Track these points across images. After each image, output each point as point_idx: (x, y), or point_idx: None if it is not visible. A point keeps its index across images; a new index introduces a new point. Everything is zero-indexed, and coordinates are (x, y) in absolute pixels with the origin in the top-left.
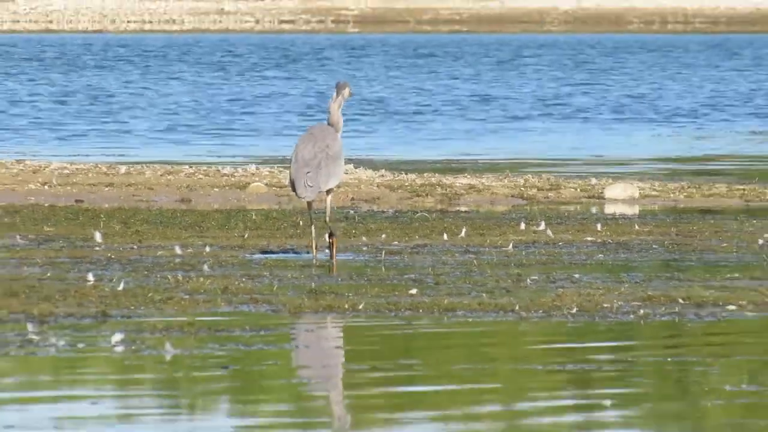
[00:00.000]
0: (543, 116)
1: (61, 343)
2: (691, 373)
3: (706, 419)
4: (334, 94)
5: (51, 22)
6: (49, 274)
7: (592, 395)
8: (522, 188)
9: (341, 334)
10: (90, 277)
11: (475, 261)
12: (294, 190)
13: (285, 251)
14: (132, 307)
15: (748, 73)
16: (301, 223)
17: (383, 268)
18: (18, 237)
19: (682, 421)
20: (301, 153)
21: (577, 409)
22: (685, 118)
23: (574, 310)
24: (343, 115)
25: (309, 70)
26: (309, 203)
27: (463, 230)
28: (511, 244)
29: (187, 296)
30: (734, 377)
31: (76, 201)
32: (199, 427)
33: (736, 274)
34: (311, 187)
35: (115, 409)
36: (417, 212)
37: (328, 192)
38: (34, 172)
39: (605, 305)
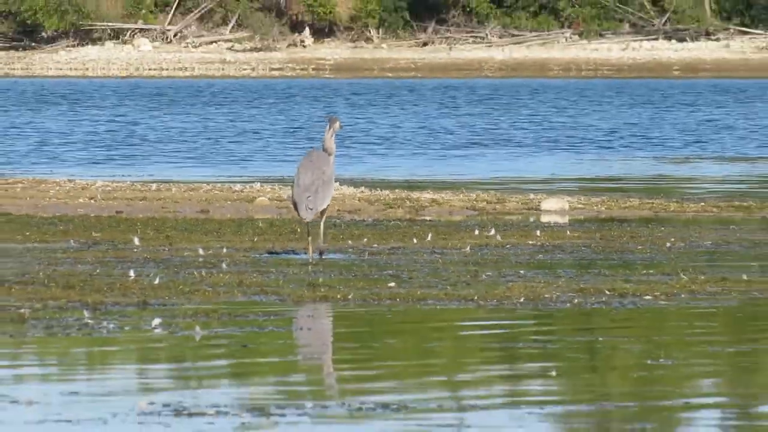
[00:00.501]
0: (485, 145)
1: (111, 326)
2: (616, 351)
3: (622, 387)
4: (327, 125)
5: (87, 69)
6: (98, 271)
7: (531, 368)
8: (474, 202)
9: (334, 319)
10: (131, 273)
11: (440, 260)
12: (297, 211)
13: (287, 252)
14: (166, 297)
15: (642, 110)
16: (299, 230)
17: (366, 266)
18: (72, 241)
19: (603, 389)
20: (302, 179)
21: (514, 378)
22: (596, 146)
23: (522, 300)
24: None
25: (298, 106)
26: (307, 218)
27: (429, 235)
28: (468, 247)
29: (210, 288)
30: (651, 353)
31: (117, 212)
32: (225, 392)
33: (651, 271)
34: (311, 210)
35: (157, 378)
36: (390, 221)
37: (323, 213)
38: (82, 189)
39: (546, 296)
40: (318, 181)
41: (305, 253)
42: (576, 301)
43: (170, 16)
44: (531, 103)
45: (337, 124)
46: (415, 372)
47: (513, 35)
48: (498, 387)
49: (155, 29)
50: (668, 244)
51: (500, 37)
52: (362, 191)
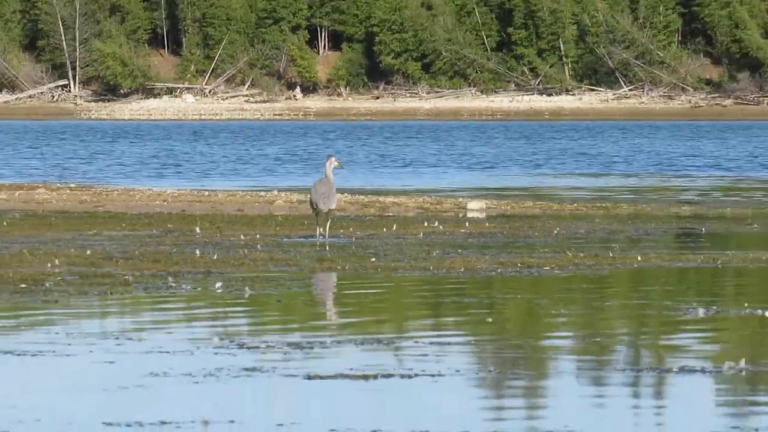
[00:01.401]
0: (421, 165)
1: (187, 287)
2: (526, 304)
3: (525, 327)
4: (326, 161)
5: (150, 114)
6: (174, 250)
7: (469, 314)
8: (421, 203)
9: (337, 282)
10: (197, 251)
11: (403, 243)
12: (316, 206)
13: (300, 237)
14: (222, 268)
15: (524, 142)
16: (306, 223)
17: (353, 247)
18: (153, 230)
19: (511, 328)
20: (319, 189)
21: (456, 322)
22: (498, 166)
23: (462, 270)
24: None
25: (293, 139)
26: (318, 213)
27: (394, 226)
28: (421, 234)
29: (251, 262)
30: (550, 306)
31: (182, 210)
32: (270, 332)
33: (545, 250)
34: (326, 204)
35: (222, 323)
36: (366, 216)
37: (329, 212)
38: (158, 195)
39: (478, 267)
40: (329, 191)
41: (315, 237)
42: (499, 270)
43: (206, 78)
44: (449, 137)
45: (333, 159)
46: (393, 315)
47: (436, 92)
48: (439, 325)
49: (196, 87)
50: (555, 232)
51: (427, 93)
52: (345, 196)
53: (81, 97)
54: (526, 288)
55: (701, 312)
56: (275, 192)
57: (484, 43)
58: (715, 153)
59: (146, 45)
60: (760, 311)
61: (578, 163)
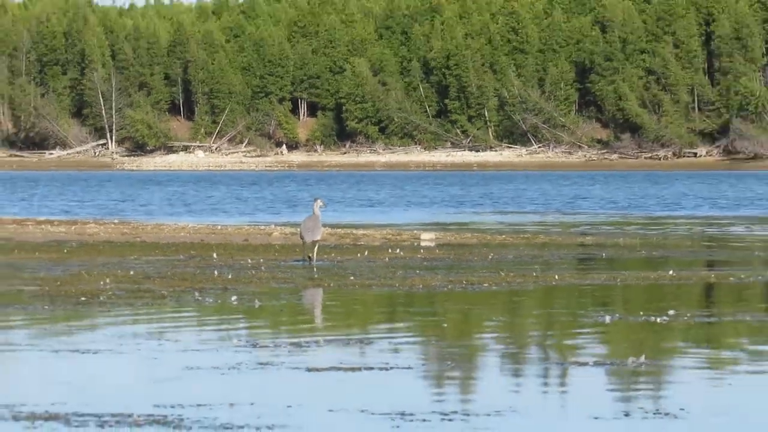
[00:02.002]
0: (381, 205)
1: (209, 300)
2: (470, 313)
3: (469, 332)
4: (314, 202)
5: (170, 166)
6: (197, 271)
7: (426, 320)
8: (385, 235)
9: (323, 295)
10: (215, 272)
11: (373, 265)
12: (303, 238)
13: (294, 261)
14: (236, 285)
15: (459, 188)
16: (297, 250)
17: (335, 269)
18: (180, 255)
19: (456, 335)
20: (306, 225)
21: (413, 326)
22: (439, 206)
23: (420, 286)
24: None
25: (280, 185)
26: (307, 244)
27: (366, 252)
28: (386, 258)
29: (258, 280)
30: (489, 315)
31: (201, 240)
32: (277, 334)
33: (483, 271)
34: (311, 237)
35: (239, 327)
36: (344, 245)
37: (315, 243)
38: (182, 228)
39: (433, 284)
40: (314, 226)
41: (304, 261)
42: (449, 286)
43: (213, 138)
44: (401, 184)
45: (320, 201)
46: (370, 321)
47: (390, 148)
48: (406, 329)
49: (205, 145)
50: (489, 257)
51: (383, 150)
52: (326, 229)
53: (117, 153)
54: (470, 300)
55: (607, 318)
56: (272, 226)
57: (426, 111)
58: (603, 196)
59: (167, 113)
60: (652, 318)
61: (501, 204)
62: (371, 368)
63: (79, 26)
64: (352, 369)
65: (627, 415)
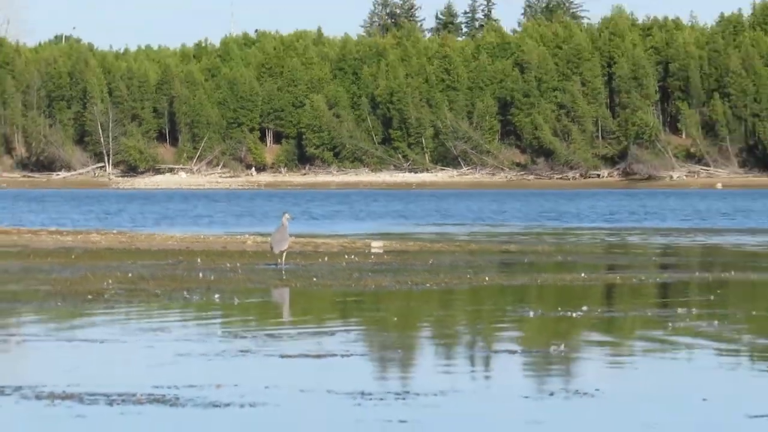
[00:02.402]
0: (337, 218)
1: (196, 297)
2: (414, 309)
3: (414, 324)
4: (282, 215)
5: (158, 186)
6: (185, 273)
7: (374, 315)
8: (342, 243)
9: (291, 294)
10: (200, 274)
11: (333, 269)
12: (273, 248)
13: (266, 265)
14: (218, 285)
15: (403, 203)
16: (269, 255)
17: (301, 271)
18: (169, 260)
19: (404, 326)
20: (275, 237)
21: (365, 321)
22: (388, 219)
23: (373, 286)
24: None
25: (251, 202)
26: (277, 253)
27: (326, 258)
28: (344, 263)
29: (235, 281)
30: (431, 310)
31: (186, 247)
32: (254, 326)
33: (425, 273)
34: (278, 247)
35: (222, 320)
36: (307, 251)
37: (282, 252)
38: (170, 237)
39: (383, 284)
40: (281, 237)
41: (275, 265)
42: (396, 286)
43: (194, 161)
44: (352, 201)
45: (288, 215)
46: (331, 315)
47: (342, 170)
48: (362, 321)
49: (187, 168)
50: (430, 262)
51: (337, 171)
52: (292, 238)
53: (113, 174)
54: (414, 298)
55: (531, 313)
56: (246, 235)
57: (373, 139)
58: (522, 210)
59: (155, 140)
60: (569, 313)
61: (436, 217)
62: (335, 355)
63: (82, 67)
64: (318, 356)
65: (551, 394)
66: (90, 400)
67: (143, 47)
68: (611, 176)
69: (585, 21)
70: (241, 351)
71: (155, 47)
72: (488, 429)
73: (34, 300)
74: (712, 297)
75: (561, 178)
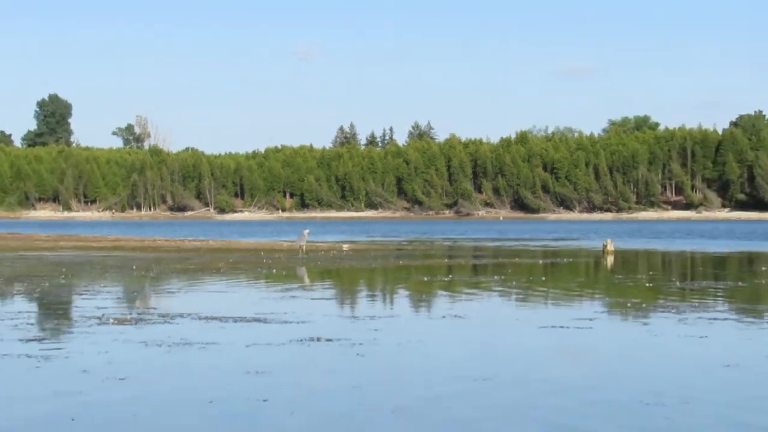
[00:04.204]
0: (322, 234)
1: (263, 270)
2: (368, 279)
3: (365, 288)
4: (303, 229)
5: (235, 218)
6: (256, 259)
7: (347, 281)
8: (327, 245)
9: (306, 268)
10: (263, 260)
11: (326, 257)
12: (299, 244)
13: (294, 256)
14: (272, 265)
15: (359, 227)
16: (295, 251)
17: (310, 259)
18: (249, 253)
19: (368, 290)
20: (299, 241)
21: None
22: (349, 234)
23: (346, 266)
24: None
25: (285, 226)
26: (301, 247)
27: (321, 252)
28: (331, 254)
29: (280, 262)
30: (371, 276)
31: (254, 247)
32: (289, 282)
33: (369, 259)
34: (302, 246)
35: (276, 280)
36: (310, 250)
37: (302, 249)
38: (247, 243)
39: (350, 264)
40: (301, 241)
41: (299, 256)
42: (355, 265)
43: (252, 206)
44: (331, 226)
45: (307, 231)
46: (323, 279)
47: (323, 211)
48: (339, 285)
49: (249, 209)
50: (372, 254)
51: (320, 212)
52: (308, 243)
53: (214, 212)
54: (364, 270)
55: (425, 278)
56: (282, 241)
57: (336, 196)
58: (410, 230)
59: (233, 196)
60: (438, 277)
61: (370, 234)
62: (334, 297)
63: (198, 163)
64: (324, 298)
65: (443, 317)
66: (224, 320)
67: (228, 153)
68: (449, 214)
69: (436, 140)
70: (291, 296)
71: (233, 151)
72: (406, 333)
73: (188, 272)
74: (504, 271)
75: (427, 216)
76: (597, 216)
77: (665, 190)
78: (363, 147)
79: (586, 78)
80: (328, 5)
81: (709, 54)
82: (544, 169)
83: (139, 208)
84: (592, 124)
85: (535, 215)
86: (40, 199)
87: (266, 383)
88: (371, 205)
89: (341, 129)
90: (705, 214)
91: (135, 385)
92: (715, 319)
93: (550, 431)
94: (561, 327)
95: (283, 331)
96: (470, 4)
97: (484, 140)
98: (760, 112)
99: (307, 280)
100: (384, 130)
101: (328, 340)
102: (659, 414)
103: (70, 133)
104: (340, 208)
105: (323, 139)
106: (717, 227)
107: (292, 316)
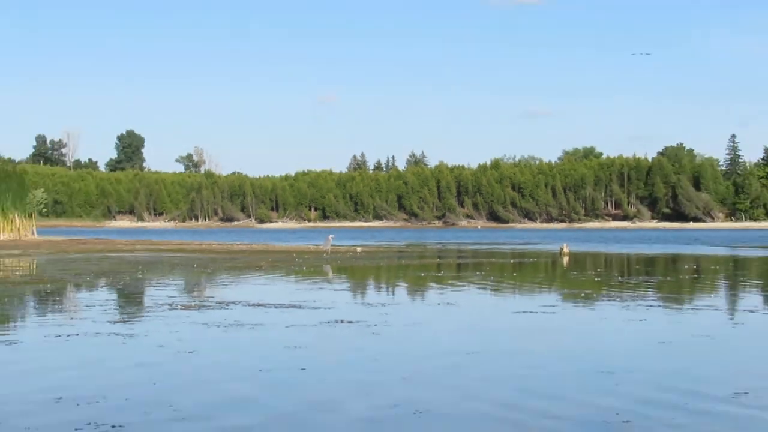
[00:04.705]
0: (341, 239)
1: (295, 268)
2: (377, 274)
3: (376, 281)
4: (328, 235)
5: (271, 227)
6: (289, 259)
7: (360, 275)
8: (345, 248)
9: (331, 266)
10: (296, 260)
11: (342, 257)
12: (324, 248)
13: (319, 257)
14: (303, 263)
15: (369, 234)
16: (322, 251)
17: (332, 259)
18: (283, 254)
19: (379, 282)
20: (324, 245)
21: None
22: (362, 239)
23: (361, 264)
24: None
25: (311, 234)
26: (326, 250)
27: (340, 254)
28: (348, 254)
29: (308, 262)
30: (380, 271)
31: (288, 249)
32: (317, 276)
33: (378, 259)
34: (326, 248)
35: (306, 274)
36: (332, 251)
37: (326, 251)
38: (281, 246)
39: (363, 263)
40: (326, 245)
41: (324, 256)
42: (367, 263)
43: (284, 217)
44: (346, 233)
45: (331, 236)
46: (345, 274)
47: (340, 221)
48: (355, 278)
49: (282, 220)
50: (379, 254)
51: (338, 222)
52: (332, 246)
53: (255, 222)
54: (374, 267)
55: (422, 274)
56: (310, 245)
57: (351, 209)
58: (408, 237)
59: (270, 209)
60: (432, 273)
61: (379, 239)
62: (353, 288)
63: (243, 183)
64: (343, 289)
65: (438, 304)
66: (267, 306)
67: (266, 175)
68: (438, 224)
69: (429, 165)
70: (319, 287)
71: (270, 174)
72: (410, 316)
73: (237, 269)
74: (483, 268)
75: (421, 225)
76: (554, 225)
77: (607, 205)
78: (371, 171)
79: (546, 117)
80: (345, 63)
81: (641, 98)
82: (513, 188)
83: (196, 219)
84: (550, 153)
85: (506, 225)
86: (119, 212)
87: (303, 355)
88: (377, 217)
89: (354, 157)
90: (638, 224)
91: (200, 358)
92: (650, 306)
93: (525, 394)
94: (531, 312)
95: (313, 315)
96: (456, 63)
97: (466, 166)
98: (681, 144)
99: (330, 275)
100: (388, 158)
101: (350, 322)
102: (610, 380)
103: (143, 160)
104: (353, 219)
105: (340, 165)
106: (648, 234)
107: (320, 303)
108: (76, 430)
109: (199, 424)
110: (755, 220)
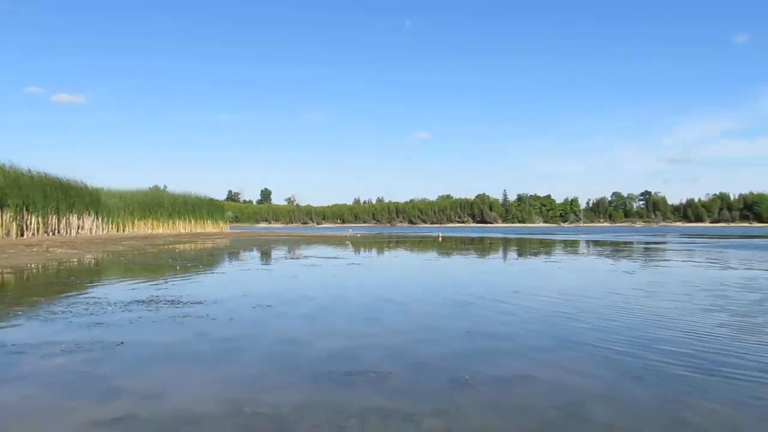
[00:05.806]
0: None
1: (327, 245)
2: (380, 248)
3: (377, 253)
4: (347, 231)
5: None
6: (321, 240)
7: (366, 248)
8: (348, 236)
9: (350, 245)
10: (328, 240)
11: (354, 241)
12: (347, 237)
13: (343, 239)
14: (331, 243)
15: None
16: (345, 237)
17: (349, 242)
18: (319, 239)
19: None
20: (346, 235)
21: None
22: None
23: (363, 242)
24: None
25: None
26: (347, 237)
27: (351, 240)
28: (357, 235)
29: (334, 242)
30: (377, 247)
31: (319, 237)
32: (340, 249)
33: (386, 242)
34: (349, 239)
35: (337, 248)
36: (344, 240)
37: (348, 239)
38: (313, 234)
39: (366, 242)
40: (348, 235)
41: (346, 240)
42: (370, 242)
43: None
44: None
45: (351, 230)
46: (356, 247)
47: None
48: (358, 249)
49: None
50: (371, 239)
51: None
52: (351, 234)
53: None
54: (369, 244)
55: (432, 254)
56: (339, 233)
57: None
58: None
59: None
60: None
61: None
62: (360, 263)
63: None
64: (352, 264)
65: (424, 260)
66: (324, 258)
67: (286, 201)
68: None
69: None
70: (344, 250)
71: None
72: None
73: (311, 243)
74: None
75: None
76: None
77: None
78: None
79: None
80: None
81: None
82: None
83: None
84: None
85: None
86: (264, 220)
87: (340, 284)
88: (360, 220)
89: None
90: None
91: (300, 280)
92: (474, 259)
93: (426, 294)
94: (432, 260)
95: (343, 262)
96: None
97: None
98: None
99: (351, 246)
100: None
101: (359, 264)
102: (460, 287)
103: (270, 200)
104: (353, 222)
105: (349, 196)
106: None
107: (345, 256)
108: (252, 307)
109: (298, 303)
110: None
